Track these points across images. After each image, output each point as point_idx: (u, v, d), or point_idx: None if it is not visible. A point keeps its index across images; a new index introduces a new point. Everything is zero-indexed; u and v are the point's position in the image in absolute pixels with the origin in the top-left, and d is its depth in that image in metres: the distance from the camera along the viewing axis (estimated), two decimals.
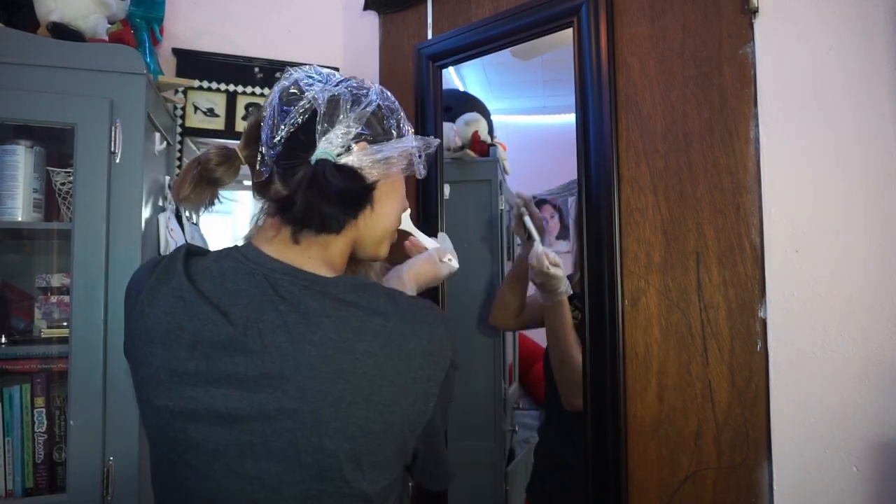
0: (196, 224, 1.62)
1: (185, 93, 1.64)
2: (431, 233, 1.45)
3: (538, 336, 2.19)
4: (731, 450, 1.00)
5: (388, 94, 0.80)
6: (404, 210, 0.85)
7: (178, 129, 1.64)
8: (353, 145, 0.73)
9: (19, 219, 1.30)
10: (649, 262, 1.09)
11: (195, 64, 1.66)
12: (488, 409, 1.69)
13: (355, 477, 0.65)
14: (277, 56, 1.72)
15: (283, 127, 0.72)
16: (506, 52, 1.36)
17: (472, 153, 1.74)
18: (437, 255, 1.05)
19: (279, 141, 0.72)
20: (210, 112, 1.67)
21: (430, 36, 1.50)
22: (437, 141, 0.83)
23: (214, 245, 1.55)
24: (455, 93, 1.77)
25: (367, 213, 0.76)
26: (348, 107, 0.73)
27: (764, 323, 0.98)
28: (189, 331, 0.68)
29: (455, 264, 1.05)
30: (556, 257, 1.41)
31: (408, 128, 0.80)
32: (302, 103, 0.73)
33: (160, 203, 1.45)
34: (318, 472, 0.65)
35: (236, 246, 0.76)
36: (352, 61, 1.78)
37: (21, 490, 1.25)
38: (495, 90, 1.87)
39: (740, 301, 1.00)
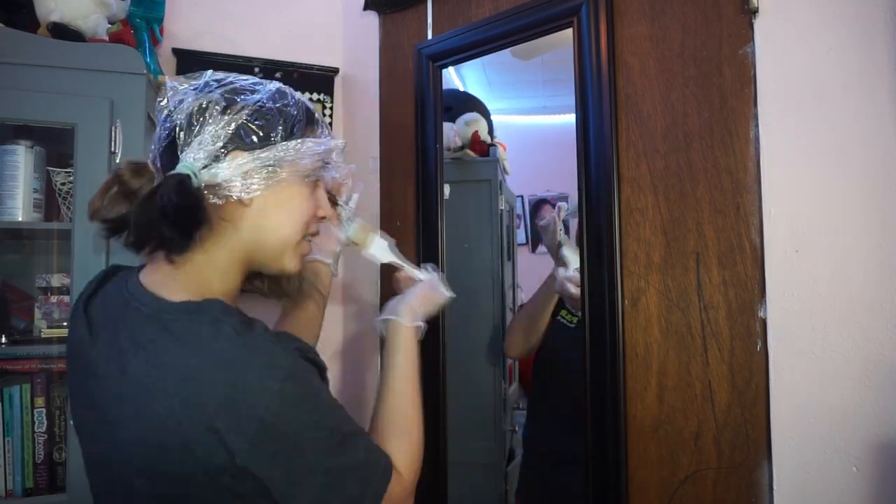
0: None
1: None
2: (431, 235, 1.45)
3: None
4: (731, 450, 1.00)
5: (287, 93, 0.74)
6: (315, 216, 0.78)
7: None
8: (223, 155, 0.68)
9: (19, 219, 1.30)
10: (649, 262, 1.09)
11: (195, 64, 1.66)
12: (488, 409, 1.69)
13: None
14: (277, 56, 1.72)
15: (153, 144, 0.72)
16: (506, 52, 1.36)
17: (472, 153, 1.74)
18: (435, 282, 1.01)
19: (157, 155, 0.72)
20: None
21: (430, 36, 1.50)
22: (339, 142, 0.77)
23: None
24: (455, 93, 1.78)
25: (249, 228, 0.71)
26: (216, 113, 0.68)
27: (764, 323, 0.98)
28: (74, 352, 0.74)
29: (450, 293, 1.02)
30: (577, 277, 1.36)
31: (312, 130, 0.74)
32: (169, 117, 0.70)
33: None
34: (129, 497, 0.66)
35: (131, 269, 0.76)
36: (352, 61, 1.78)
37: (21, 490, 1.25)
38: (495, 90, 1.88)
39: (740, 301, 1.00)
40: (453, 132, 1.73)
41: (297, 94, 0.77)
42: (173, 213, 0.64)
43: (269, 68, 1.70)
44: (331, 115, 1.75)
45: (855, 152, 0.90)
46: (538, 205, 2.31)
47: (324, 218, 0.79)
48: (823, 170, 0.93)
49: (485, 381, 1.69)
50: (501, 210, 1.73)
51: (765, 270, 0.98)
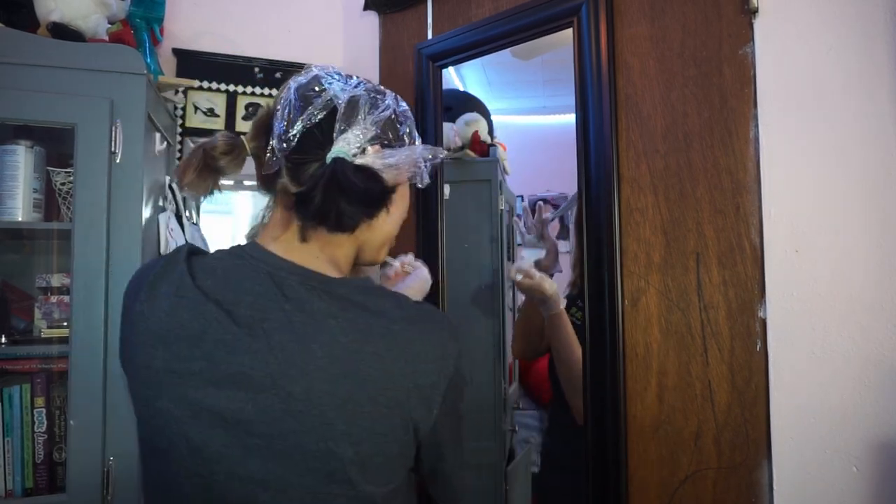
0: (196, 224, 1.62)
1: (185, 93, 1.64)
2: (431, 235, 1.45)
3: None
4: (731, 450, 1.00)
5: (402, 101, 0.80)
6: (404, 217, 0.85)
7: (179, 129, 1.64)
8: (369, 148, 0.72)
9: (19, 219, 1.30)
10: (649, 262, 1.09)
11: (195, 64, 1.66)
12: (488, 409, 1.69)
13: (360, 479, 0.65)
14: (277, 56, 1.72)
15: (299, 122, 0.71)
16: (506, 52, 1.36)
17: (472, 153, 1.74)
18: (423, 272, 1.10)
19: (294, 135, 0.71)
20: (210, 112, 1.67)
21: (430, 36, 1.50)
22: (444, 152, 0.83)
23: (215, 245, 1.55)
24: (455, 93, 1.77)
25: (380, 216, 0.76)
26: (367, 109, 0.74)
27: (764, 323, 0.98)
28: (191, 330, 0.66)
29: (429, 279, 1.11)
30: (527, 268, 1.40)
31: (417, 136, 0.80)
32: (321, 100, 0.73)
33: (160, 203, 1.45)
34: (325, 475, 0.64)
35: (240, 245, 0.75)
36: (352, 61, 1.78)
37: (21, 490, 1.25)
38: (495, 90, 1.87)
39: (740, 301, 1.00)
40: (453, 132, 1.73)
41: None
42: (371, 195, 0.70)
43: (269, 68, 1.70)
44: None
45: (855, 152, 0.90)
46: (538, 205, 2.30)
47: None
48: (823, 170, 0.93)
49: (485, 381, 1.69)
50: (501, 210, 1.73)
51: (765, 270, 0.98)
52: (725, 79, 1.02)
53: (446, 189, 1.50)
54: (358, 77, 0.79)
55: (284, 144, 0.71)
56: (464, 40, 1.38)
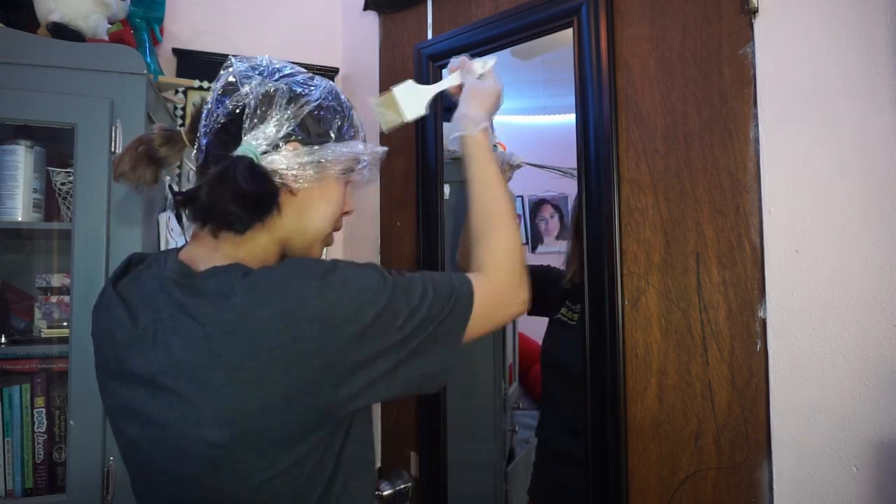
0: None
1: (185, 93, 1.64)
2: (431, 235, 1.45)
3: (539, 336, 2.20)
4: (731, 450, 1.00)
5: (339, 94, 0.79)
6: (345, 213, 0.82)
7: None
8: (283, 145, 0.71)
9: (19, 219, 1.30)
10: (649, 262, 1.09)
11: (195, 64, 1.66)
12: (488, 409, 1.69)
13: (250, 459, 0.63)
14: (277, 56, 1.72)
15: (216, 116, 0.73)
16: (506, 52, 1.36)
17: None
18: (474, 82, 1.02)
19: (211, 130, 0.73)
20: None
21: (430, 36, 1.50)
22: (383, 150, 0.82)
23: None
24: None
25: (292, 216, 0.74)
26: (283, 103, 0.72)
27: (764, 323, 0.98)
28: (108, 332, 0.73)
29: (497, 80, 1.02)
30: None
31: (354, 131, 0.79)
32: (236, 96, 0.72)
33: (160, 203, 1.45)
34: (210, 464, 0.64)
35: (168, 250, 0.79)
36: (352, 61, 1.78)
37: (21, 490, 1.25)
38: None
39: (740, 301, 1.00)
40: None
41: (343, 95, 0.81)
42: (252, 196, 0.68)
43: None
44: None
45: (855, 152, 0.90)
46: (539, 205, 2.31)
47: (348, 213, 0.83)
48: (823, 169, 0.93)
49: (485, 381, 1.69)
50: None
51: (765, 270, 0.98)
52: (725, 79, 1.02)
53: (446, 189, 1.50)
54: (292, 68, 0.77)
55: (204, 139, 0.74)
56: (464, 40, 1.38)
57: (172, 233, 1.42)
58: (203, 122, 0.75)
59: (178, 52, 1.65)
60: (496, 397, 1.70)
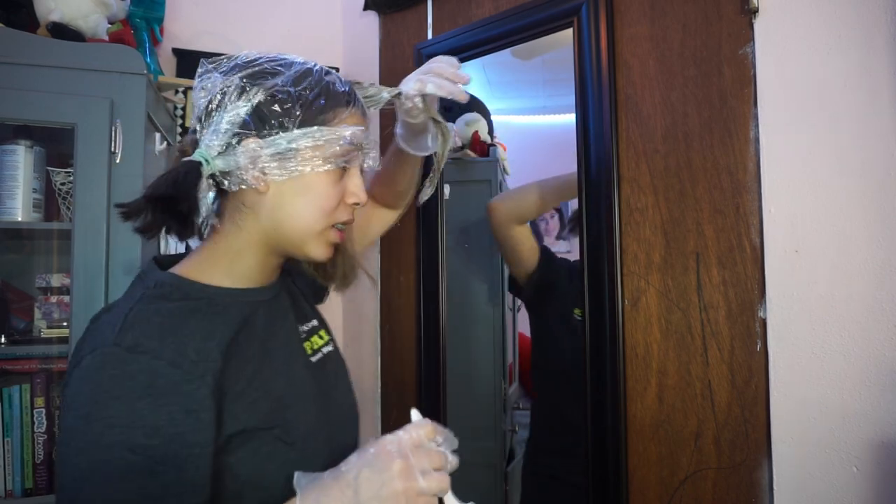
0: None
1: (185, 93, 1.63)
2: (431, 235, 1.45)
3: None
4: (731, 450, 1.00)
5: (312, 75, 0.70)
6: (352, 203, 0.74)
7: (178, 129, 1.63)
8: (236, 142, 0.66)
9: (19, 219, 1.30)
10: (649, 262, 1.09)
11: (195, 64, 1.65)
12: (488, 409, 1.69)
13: None
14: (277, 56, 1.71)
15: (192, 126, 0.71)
16: (506, 52, 1.36)
17: (472, 153, 1.74)
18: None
19: (187, 143, 0.72)
20: None
21: (430, 36, 1.50)
22: (355, 129, 0.71)
23: None
24: None
25: (266, 214, 0.69)
26: (234, 98, 0.67)
27: (764, 323, 0.98)
28: None
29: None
30: None
31: (335, 114, 0.70)
32: (197, 101, 0.70)
33: None
34: None
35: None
36: (352, 61, 1.78)
37: (20, 490, 1.25)
38: (495, 90, 1.87)
39: (740, 301, 1.00)
40: (453, 132, 1.73)
41: (325, 75, 0.72)
42: (167, 201, 0.64)
43: None
44: None
45: (855, 152, 0.90)
46: None
47: (357, 204, 0.75)
48: (823, 169, 0.93)
49: (485, 381, 1.69)
50: None
51: (765, 270, 0.98)
52: (725, 79, 1.02)
53: (446, 189, 1.50)
54: (271, 56, 0.71)
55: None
56: (464, 40, 1.38)
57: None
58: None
59: (178, 52, 1.65)
60: (496, 397, 1.69)
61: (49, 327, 1.35)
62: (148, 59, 1.49)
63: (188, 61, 1.66)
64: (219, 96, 0.68)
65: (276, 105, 0.67)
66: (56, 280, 1.39)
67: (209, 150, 0.67)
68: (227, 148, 0.67)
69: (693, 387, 1.04)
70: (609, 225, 1.11)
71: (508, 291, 1.66)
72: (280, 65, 0.70)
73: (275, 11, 1.77)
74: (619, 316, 1.10)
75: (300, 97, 0.68)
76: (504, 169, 1.80)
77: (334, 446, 0.75)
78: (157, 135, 1.41)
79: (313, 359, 0.80)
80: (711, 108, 1.04)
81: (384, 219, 1.05)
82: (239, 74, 0.68)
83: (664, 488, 1.06)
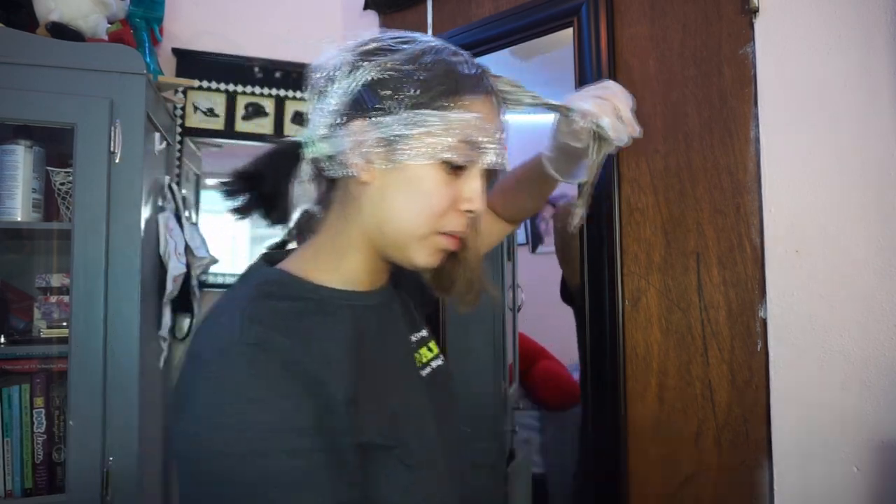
0: (195, 224, 1.62)
1: (184, 93, 1.63)
2: None
3: (539, 336, 2.20)
4: (731, 450, 1.00)
5: (433, 53, 0.61)
6: (457, 210, 0.63)
7: (178, 129, 1.63)
8: (342, 123, 0.59)
9: (19, 219, 1.30)
10: (649, 262, 1.09)
11: (195, 64, 1.66)
12: (488, 409, 1.69)
13: None
14: (277, 56, 1.72)
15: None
16: (506, 52, 1.36)
17: None
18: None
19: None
20: (210, 112, 1.67)
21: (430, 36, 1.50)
22: (471, 115, 0.60)
23: (213, 245, 1.55)
24: None
25: (370, 208, 0.61)
26: (343, 77, 0.60)
27: (764, 323, 0.98)
28: None
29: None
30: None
31: (456, 99, 0.59)
32: (314, 76, 0.64)
33: (160, 203, 1.45)
34: None
35: None
36: None
37: (20, 490, 1.24)
38: None
39: (740, 301, 1.00)
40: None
41: (452, 55, 0.62)
42: (256, 180, 0.60)
43: (269, 68, 1.70)
44: None
45: (855, 152, 0.90)
46: None
47: (471, 212, 0.64)
48: (823, 169, 0.93)
49: (485, 381, 1.69)
50: None
51: (765, 270, 0.98)
52: (725, 79, 1.02)
53: None
54: (398, 34, 0.63)
55: None
56: (464, 40, 1.37)
57: (172, 233, 1.42)
58: None
59: (177, 52, 1.65)
60: (496, 397, 1.69)
61: (49, 327, 1.35)
62: (147, 59, 1.49)
63: (188, 61, 1.66)
64: (330, 73, 0.61)
65: (388, 83, 0.59)
66: (56, 280, 1.39)
67: (315, 130, 0.61)
68: (333, 129, 0.60)
69: (693, 387, 1.04)
70: (609, 225, 1.11)
71: (563, 301, 1.60)
72: (402, 41, 0.62)
73: (275, 11, 1.77)
74: (619, 316, 1.10)
75: (415, 76, 0.59)
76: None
77: (454, 474, 0.68)
78: (157, 135, 1.41)
79: (423, 373, 0.71)
80: (711, 108, 1.04)
81: (502, 234, 0.94)
82: (354, 51, 0.61)
83: (664, 488, 1.06)
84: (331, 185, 0.65)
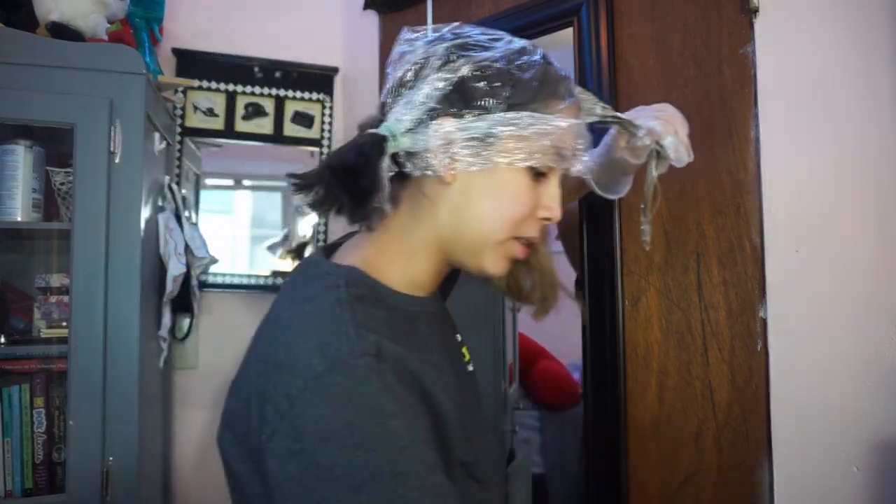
0: (195, 224, 1.62)
1: (184, 93, 1.63)
2: None
3: (538, 336, 2.20)
4: (731, 450, 1.00)
5: (529, 54, 0.60)
6: (534, 216, 0.61)
7: (178, 129, 1.63)
8: (429, 119, 0.57)
9: (18, 219, 1.30)
10: (649, 262, 1.09)
11: (195, 64, 1.66)
12: (488, 409, 1.69)
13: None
14: (277, 56, 1.72)
15: (383, 95, 0.63)
16: None
17: None
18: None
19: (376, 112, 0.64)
20: (210, 112, 1.67)
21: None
22: (572, 122, 0.59)
23: (213, 245, 1.55)
24: None
25: (447, 211, 0.59)
26: (433, 70, 0.57)
27: (764, 323, 0.98)
28: None
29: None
30: None
31: (540, 103, 0.58)
32: (393, 70, 0.61)
33: (160, 203, 1.45)
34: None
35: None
36: (352, 61, 1.78)
37: (20, 490, 1.24)
38: None
39: (740, 301, 1.00)
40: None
41: (544, 58, 0.61)
42: (343, 173, 0.56)
43: (269, 68, 1.70)
44: (330, 115, 1.75)
45: (855, 152, 0.90)
46: None
47: (548, 220, 0.62)
48: (824, 169, 0.93)
49: (485, 381, 1.69)
50: None
51: (765, 270, 0.98)
52: (725, 79, 1.02)
53: None
54: (483, 30, 0.61)
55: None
56: None
57: (172, 233, 1.42)
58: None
59: (177, 52, 1.65)
60: (496, 397, 1.69)
61: (49, 327, 1.35)
62: (147, 59, 1.49)
63: (188, 61, 1.66)
64: (418, 65, 0.58)
65: (483, 82, 0.56)
66: (55, 280, 1.39)
67: (398, 124, 0.58)
68: (419, 125, 0.57)
69: (693, 387, 1.04)
70: (609, 225, 1.11)
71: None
72: (494, 39, 0.60)
73: (275, 11, 1.77)
74: (619, 316, 1.10)
75: (513, 76, 0.57)
76: None
77: (500, 486, 0.66)
78: (157, 135, 1.41)
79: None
80: (711, 108, 1.04)
81: None
82: (446, 44, 0.58)
83: (664, 488, 1.06)
84: (402, 183, 0.61)
